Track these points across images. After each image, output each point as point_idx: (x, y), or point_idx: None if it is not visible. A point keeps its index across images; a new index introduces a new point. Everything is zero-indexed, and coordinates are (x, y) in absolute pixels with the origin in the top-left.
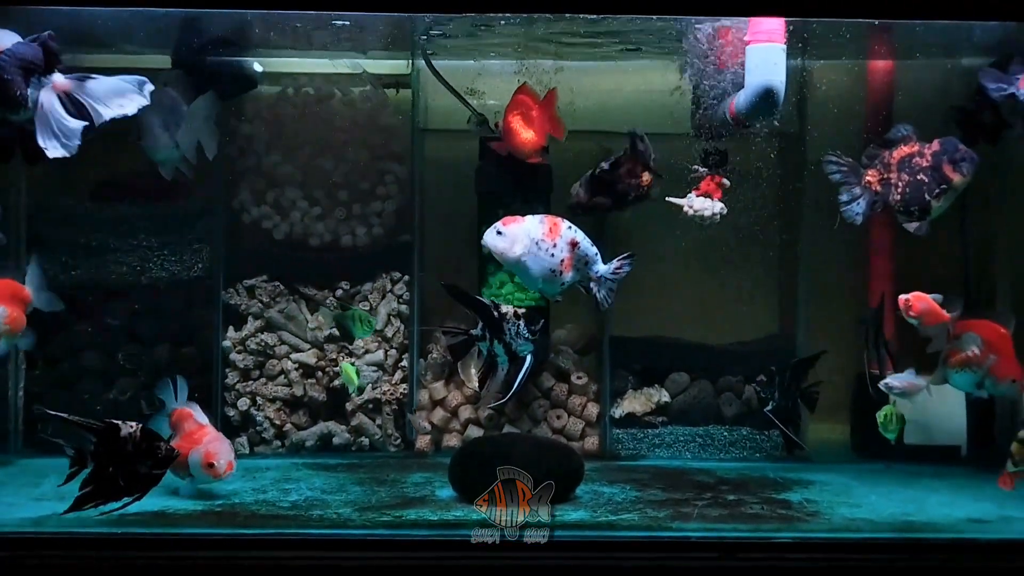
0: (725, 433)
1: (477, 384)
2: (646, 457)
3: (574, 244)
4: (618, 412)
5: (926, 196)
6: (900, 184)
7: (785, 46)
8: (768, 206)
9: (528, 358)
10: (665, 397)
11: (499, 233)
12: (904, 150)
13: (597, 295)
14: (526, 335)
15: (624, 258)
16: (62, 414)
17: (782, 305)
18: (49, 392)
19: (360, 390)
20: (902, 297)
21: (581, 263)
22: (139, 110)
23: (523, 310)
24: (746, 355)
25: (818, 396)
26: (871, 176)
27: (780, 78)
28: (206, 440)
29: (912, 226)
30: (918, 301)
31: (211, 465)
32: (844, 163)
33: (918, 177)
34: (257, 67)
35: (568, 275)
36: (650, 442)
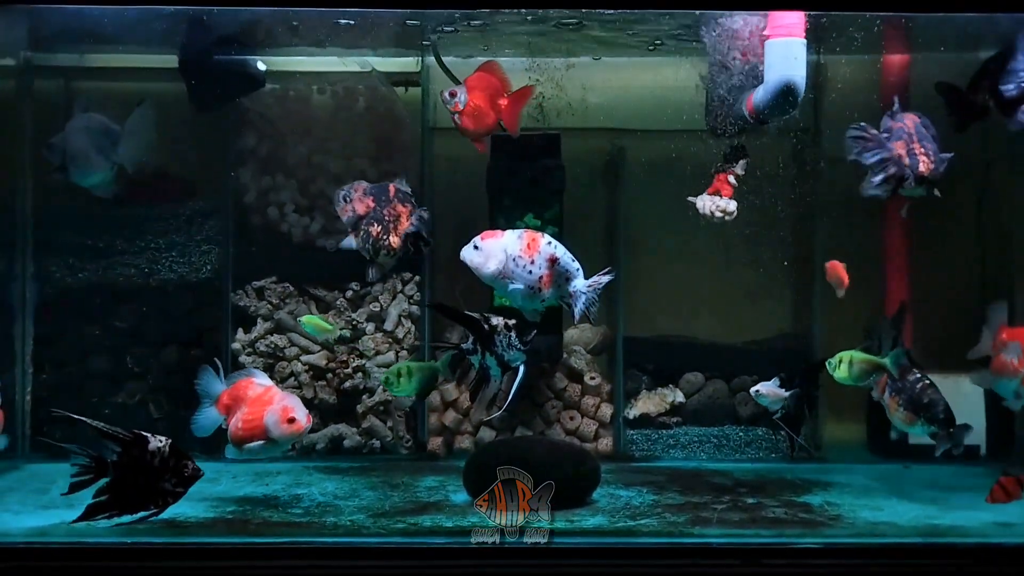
0: (740, 433)
1: (469, 397)
2: (660, 458)
3: (553, 260)
4: (632, 413)
5: (942, 166)
6: (930, 152)
7: (805, 40)
8: (783, 203)
9: (520, 368)
10: (679, 397)
11: (475, 248)
12: (911, 120)
13: (574, 308)
14: (518, 346)
15: (603, 273)
16: (86, 419)
17: (797, 303)
18: (57, 396)
19: (341, 339)
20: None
21: (562, 279)
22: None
23: (513, 321)
24: (761, 354)
25: (817, 397)
26: (900, 148)
27: (800, 73)
28: (278, 399)
29: (937, 193)
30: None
31: (292, 420)
32: (872, 136)
33: (935, 145)
34: (261, 65)
35: (548, 292)
36: (664, 443)
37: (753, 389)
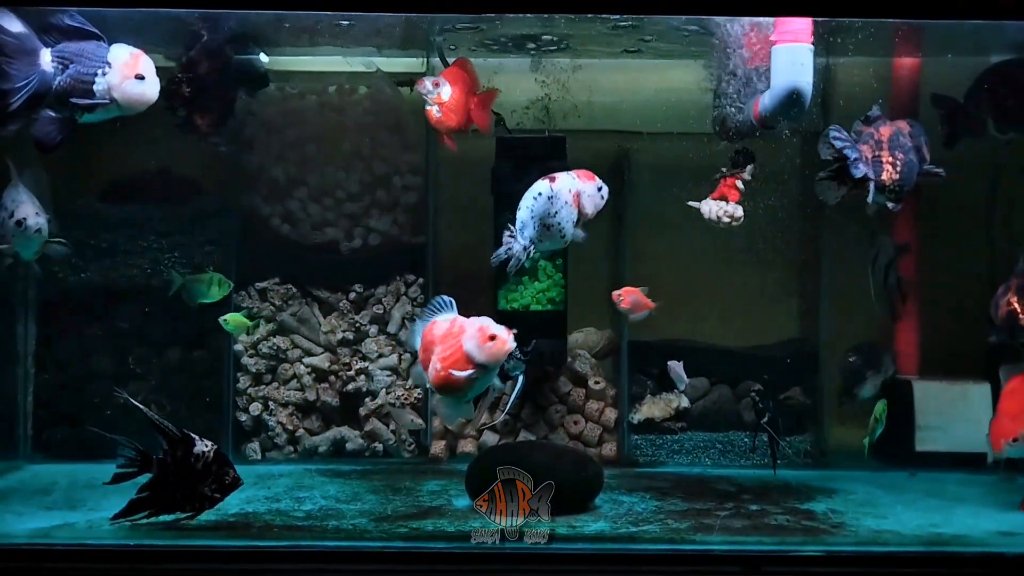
0: (745, 439)
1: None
2: (665, 464)
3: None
4: (636, 417)
5: (914, 176)
6: (897, 163)
7: (812, 46)
8: (789, 207)
9: (520, 378)
10: (684, 402)
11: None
12: (887, 129)
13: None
14: (517, 356)
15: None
16: (142, 407)
17: (803, 308)
18: (59, 396)
19: (249, 330)
20: (615, 293)
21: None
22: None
23: (515, 331)
24: (767, 359)
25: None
26: (867, 153)
27: (807, 79)
28: (469, 324)
29: (892, 205)
30: (628, 294)
31: (492, 337)
32: (848, 139)
33: (909, 156)
34: (264, 57)
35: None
36: (669, 448)
37: (670, 362)
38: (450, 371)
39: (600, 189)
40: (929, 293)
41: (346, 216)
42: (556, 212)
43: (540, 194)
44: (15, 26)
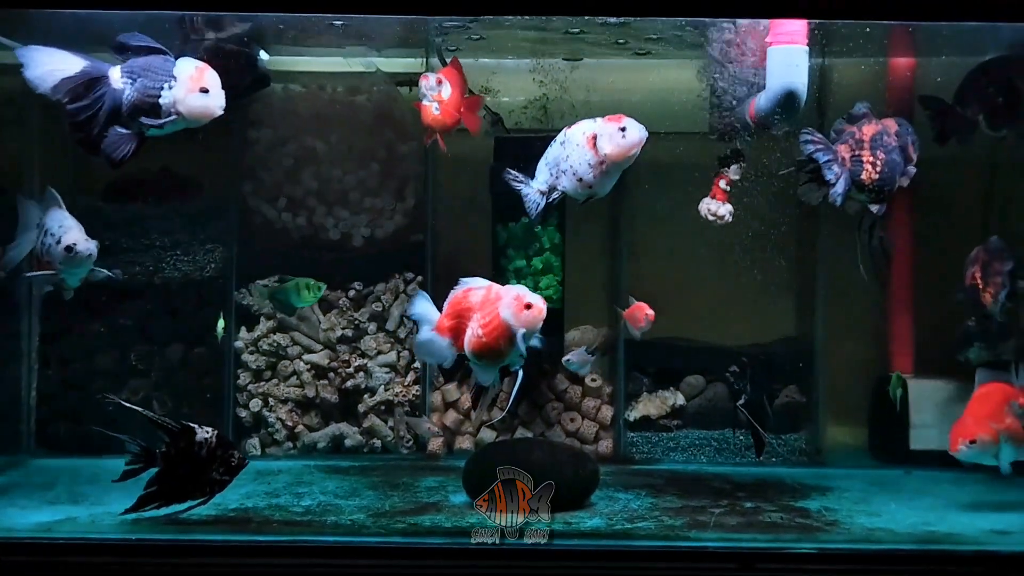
0: (741, 437)
1: (471, 399)
2: (661, 461)
3: None
4: (633, 415)
5: (896, 176)
6: (878, 163)
7: (807, 48)
8: (785, 205)
9: (519, 373)
10: (680, 400)
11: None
12: (870, 128)
13: None
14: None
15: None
16: (138, 407)
17: (799, 307)
18: (62, 392)
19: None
20: (639, 315)
21: None
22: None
23: None
24: (763, 358)
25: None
26: (844, 152)
27: (802, 80)
28: (505, 292)
29: (876, 207)
30: (641, 310)
31: (529, 306)
32: (821, 140)
33: (892, 156)
34: (263, 55)
35: None
36: (665, 446)
37: (564, 359)
38: (492, 340)
39: (623, 130)
40: (924, 292)
41: (346, 214)
42: (568, 155)
43: (554, 141)
44: (75, 65)
